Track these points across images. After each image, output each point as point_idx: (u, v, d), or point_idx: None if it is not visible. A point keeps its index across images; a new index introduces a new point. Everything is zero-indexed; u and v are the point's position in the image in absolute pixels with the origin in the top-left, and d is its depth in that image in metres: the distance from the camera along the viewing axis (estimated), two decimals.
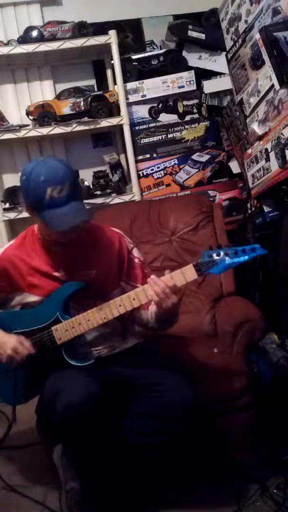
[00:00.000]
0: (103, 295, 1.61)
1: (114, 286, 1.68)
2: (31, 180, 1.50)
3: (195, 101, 3.08)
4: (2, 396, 1.75)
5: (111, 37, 2.82)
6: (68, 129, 2.79)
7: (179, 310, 1.63)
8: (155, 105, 3.02)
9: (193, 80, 2.99)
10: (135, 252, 1.76)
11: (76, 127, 2.79)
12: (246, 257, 1.47)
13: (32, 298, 1.66)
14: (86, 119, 2.81)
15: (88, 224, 1.59)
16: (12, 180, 2.99)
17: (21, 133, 2.76)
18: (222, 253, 1.47)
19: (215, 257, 1.47)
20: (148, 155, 3.00)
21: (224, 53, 2.83)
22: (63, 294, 1.62)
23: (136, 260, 1.74)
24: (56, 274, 1.65)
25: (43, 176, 1.49)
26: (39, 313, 1.64)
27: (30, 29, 2.80)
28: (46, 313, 1.63)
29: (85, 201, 2.50)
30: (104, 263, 1.68)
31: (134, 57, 2.98)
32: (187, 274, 1.50)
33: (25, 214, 2.75)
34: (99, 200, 2.80)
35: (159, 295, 1.50)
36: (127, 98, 2.92)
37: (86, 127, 2.81)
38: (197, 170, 2.98)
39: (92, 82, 3.10)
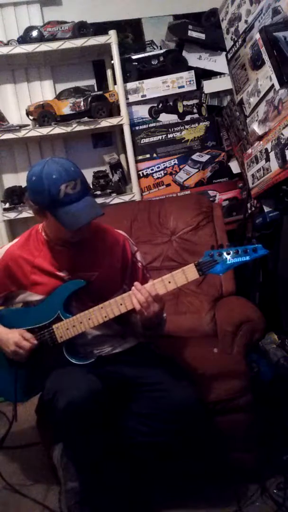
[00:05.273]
0: (106, 297, 1.60)
1: (116, 289, 1.68)
2: (43, 179, 1.48)
3: (195, 101, 3.08)
4: (3, 393, 1.76)
5: (111, 37, 2.83)
6: (68, 129, 2.79)
7: (178, 312, 1.62)
8: (155, 105, 3.03)
9: (193, 80, 2.99)
10: (138, 256, 1.76)
11: (76, 127, 2.79)
12: (248, 257, 1.46)
13: (35, 297, 1.67)
14: (86, 119, 2.81)
15: (102, 215, 1.56)
16: (12, 180, 3.00)
17: (21, 133, 2.76)
18: (223, 253, 1.47)
19: (216, 257, 1.47)
20: (148, 155, 3.00)
21: (224, 53, 2.84)
22: (65, 292, 1.62)
23: (139, 264, 1.74)
24: (59, 273, 1.65)
25: (55, 173, 1.48)
26: (41, 311, 1.65)
27: (30, 29, 2.80)
28: (48, 311, 1.63)
29: None
30: (107, 265, 1.68)
31: (134, 57, 2.98)
32: (189, 273, 1.50)
33: (25, 214, 2.75)
34: (99, 200, 2.80)
35: (142, 304, 1.50)
36: (127, 98, 2.92)
37: (86, 127, 2.82)
38: (197, 170, 2.98)
39: (92, 82, 3.11)
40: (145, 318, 1.54)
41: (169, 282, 1.51)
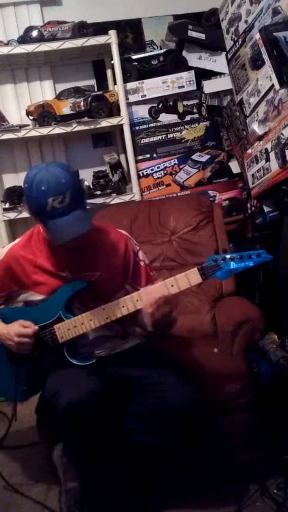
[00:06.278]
0: (107, 297, 1.60)
1: (118, 288, 1.68)
2: (33, 188, 1.48)
3: (195, 101, 3.08)
4: (3, 393, 1.76)
5: (111, 37, 2.83)
6: (68, 129, 2.79)
7: (178, 312, 1.63)
8: (155, 105, 3.03)
9: (193, 80, 2.99)
10: (141, 255, 1.75)
11: (76, 127, 2.79)
12: (252, 263, 1.46)
13: (37, 296, 1.67)
14: (86, 119, 2.81)
15: (91, 231, 1.55)
16: (12, 180, 3.00)
17: (21, 133, 2.76)
18: (227, 258, 1.47)
19: (220, 261, 1.47)
20: (148, 155, 3.00)
21: (224, 53, 2.83)
22: (66, 293, 1.62)
23: (142, 263, 1.73)
24: (61, 273, 1.65)
25: (44, 185, 1.46)
26: (42, 311, 1.65)
27: (30, 29, 2.80)
28: (49, 311, 1.63)
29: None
30: (109, 265, 1.68)
31: (134, 57, 2.99)
32: (192, 278, 1.50)
33: (25, 214, 2.75)
34: (99, 200, 2.80)
35: (151, 306, 1.50)
36: (127, 98, 2.93)
37: (86, 127, 2.82)
38: (197, 170, 2.98)
39: (92, 82, 3.11)
40: (154, 320, 1.53)
41: (172, 286, 1.51)
